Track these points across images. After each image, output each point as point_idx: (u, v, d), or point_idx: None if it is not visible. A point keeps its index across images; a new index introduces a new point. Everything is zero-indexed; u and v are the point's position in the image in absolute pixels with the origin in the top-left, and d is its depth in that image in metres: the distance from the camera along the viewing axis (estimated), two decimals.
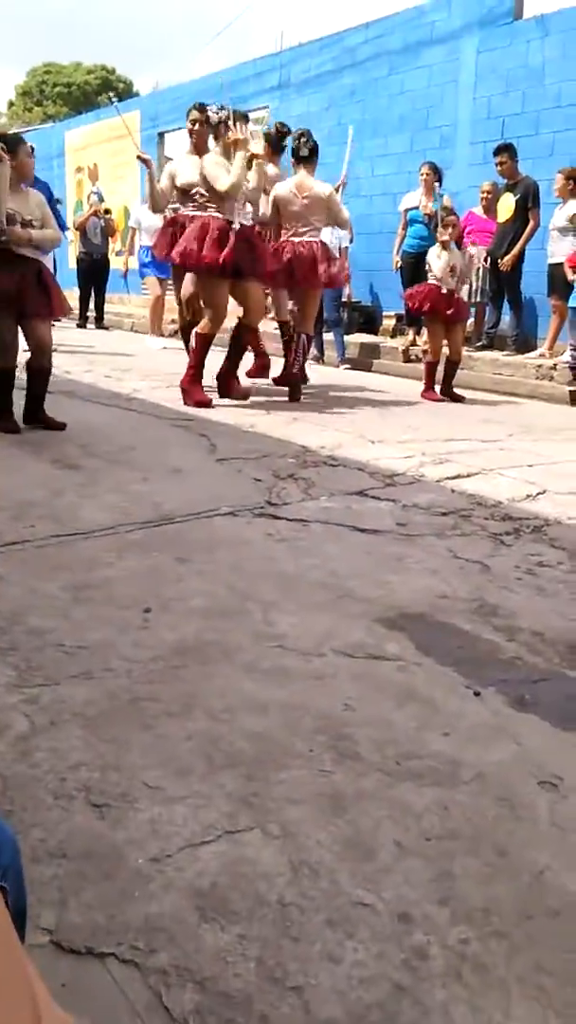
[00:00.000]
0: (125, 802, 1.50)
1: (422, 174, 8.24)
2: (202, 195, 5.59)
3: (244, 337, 6.22)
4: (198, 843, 1.40)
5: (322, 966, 1.17)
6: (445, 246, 6.55)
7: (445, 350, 6.71)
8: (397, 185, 9.53)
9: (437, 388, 6.80)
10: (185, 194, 5.98)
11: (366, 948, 1.20)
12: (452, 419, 5.78)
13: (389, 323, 9.84)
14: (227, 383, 6.11)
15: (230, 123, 5.49)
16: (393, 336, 9.57)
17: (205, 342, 5.86)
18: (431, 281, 6.53)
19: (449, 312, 6.47)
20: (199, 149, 6.15)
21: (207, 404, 5.73)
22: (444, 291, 6.42)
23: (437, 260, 6.53)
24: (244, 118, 5.72)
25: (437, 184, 8.29)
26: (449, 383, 6.86)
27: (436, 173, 8.24)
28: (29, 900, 0.91)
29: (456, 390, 6.88)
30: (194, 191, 5.71)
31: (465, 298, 7.33)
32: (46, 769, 1.59)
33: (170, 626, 2.24)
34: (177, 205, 6.42)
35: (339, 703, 1.87)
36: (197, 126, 6.19)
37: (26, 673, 1.96)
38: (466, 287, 7.71)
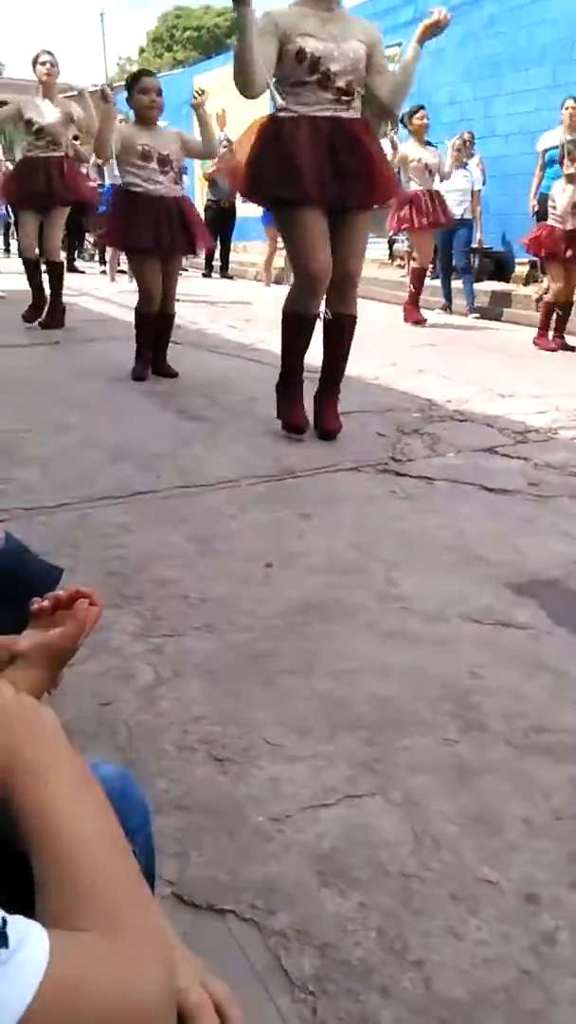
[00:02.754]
0: (246, 758, 1.50)
1: (566, 108, 7.69)
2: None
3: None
4: (319, 805, 1.39)
5: (445, 942, 1.14)
6: (571, 179, 6.12)
7: None
8: (536, 123, 8.98)
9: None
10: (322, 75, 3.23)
11: (490, 928, 1.16)
12: None
13: (522, 270, 9.38)
14: None
15: None
16: (526, 284, 9.12)
17: None
18: (552, 218, 6.14)
19: (569, 254, 6.05)
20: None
21: None
22: (566, 229, 5.98)
23: (562, 195, 6.10)
24: None
25: None
26: (561, 328, 6.48)
27: None
28: None
29: (569, 338, 6.52)
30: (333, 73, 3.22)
31: None
32: (170, 720, 1.61)
33: (292, 582, 2.23)
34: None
35: (465, 670, 1.81)
36: None
37: (151, 623, 1.99)
38: None
